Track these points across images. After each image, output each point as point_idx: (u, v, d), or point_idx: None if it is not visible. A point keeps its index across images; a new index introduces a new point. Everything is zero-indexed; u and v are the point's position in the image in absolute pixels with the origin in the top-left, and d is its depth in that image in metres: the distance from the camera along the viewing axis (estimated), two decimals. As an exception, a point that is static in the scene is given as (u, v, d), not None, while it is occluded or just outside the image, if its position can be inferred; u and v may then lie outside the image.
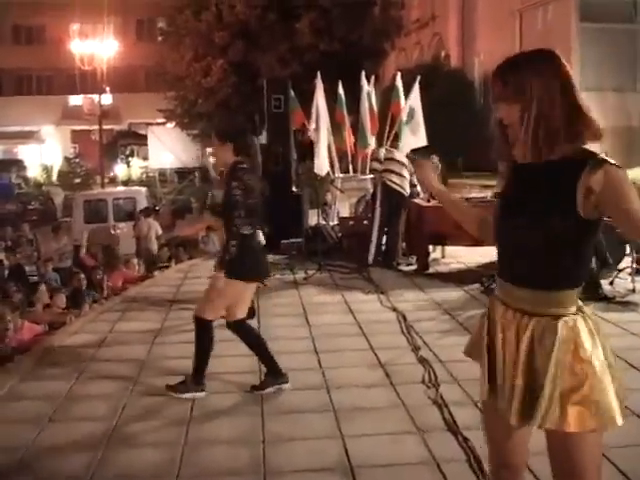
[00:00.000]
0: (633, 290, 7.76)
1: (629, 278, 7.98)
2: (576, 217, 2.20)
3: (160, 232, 15.23)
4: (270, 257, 9.03)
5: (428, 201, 9.69)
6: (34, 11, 39.43)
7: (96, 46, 31.17)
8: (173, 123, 32.79)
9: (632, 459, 3.76)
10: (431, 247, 9.92)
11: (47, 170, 37.51)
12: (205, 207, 16.13)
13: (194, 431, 4.39)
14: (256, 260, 5.04)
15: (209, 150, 28.65)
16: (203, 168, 29.09)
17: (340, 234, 11.16)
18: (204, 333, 5.00)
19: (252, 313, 7.18)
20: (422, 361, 5.56)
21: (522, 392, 2.29)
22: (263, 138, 11.86)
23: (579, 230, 2.24)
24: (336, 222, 12.03)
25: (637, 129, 21.47)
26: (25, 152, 39.65)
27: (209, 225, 11.39)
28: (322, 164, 11.94)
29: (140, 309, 7.85)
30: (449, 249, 10.09)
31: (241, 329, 5.13)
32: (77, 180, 33.30)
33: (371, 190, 10.27)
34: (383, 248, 9.98)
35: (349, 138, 12.94)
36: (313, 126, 12.13)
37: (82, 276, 10.05)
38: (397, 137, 11.63)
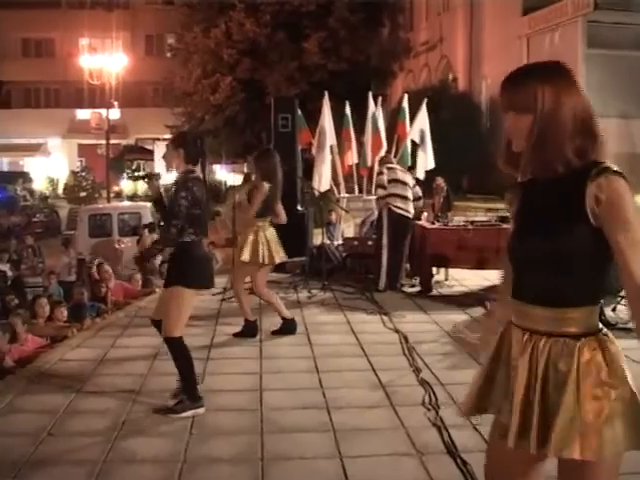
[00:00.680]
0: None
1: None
2: (590, 227, 2.15)
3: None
4: (274, 275, 9.07)
5: (432, 223, 9.71)
6: (44, 25, 39.71)
7: (105, 61, 31.30)
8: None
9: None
10: (435, 269, 9.95)
11: (53, 183, 37.57)
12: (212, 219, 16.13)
13: (193, 448, 4.38)
14: (201, 269, 5.06)
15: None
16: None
17: (344, 254, 11.16)
18: (179, 349, 5.01)
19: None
20: (423, 383, 5.55)
21: (538, 419, 2.18)
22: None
23: (595, 240, 2.16)
24: (341, 242, 12.05)
25: (642, 156, 21.47)
26: (31, 164, 39.65)
27: (211, 242, 11.41)
28: (323, 181, 11.98)
29: (142, 324, 7.82)
30: (452, 272, 10.09)
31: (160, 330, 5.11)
32: (83, 193, 33.31)
33: (376, 212, 10.27)
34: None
35: (350, 157, 12.89)
36: (315, 144, 12.18)
37: (83, 290, 10.04)
38: (402, 159, 11.70)
